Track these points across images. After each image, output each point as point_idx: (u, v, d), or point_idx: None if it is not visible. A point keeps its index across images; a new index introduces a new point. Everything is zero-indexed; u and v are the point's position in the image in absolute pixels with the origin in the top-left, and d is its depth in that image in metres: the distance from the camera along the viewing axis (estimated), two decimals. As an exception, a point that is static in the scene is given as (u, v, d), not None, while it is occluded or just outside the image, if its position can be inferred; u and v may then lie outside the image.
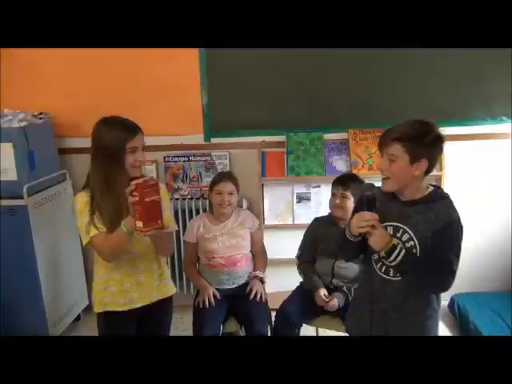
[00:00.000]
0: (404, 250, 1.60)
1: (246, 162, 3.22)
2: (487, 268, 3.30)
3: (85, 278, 3.34)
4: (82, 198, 1.82)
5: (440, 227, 1.60)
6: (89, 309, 3.35)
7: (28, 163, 2.73)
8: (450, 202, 1.67)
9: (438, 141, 1.62)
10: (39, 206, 2.80)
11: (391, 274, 1.70)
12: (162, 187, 1.99)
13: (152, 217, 1.64)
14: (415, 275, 1.65)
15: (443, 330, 3.05)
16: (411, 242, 1.64)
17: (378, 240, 1.61)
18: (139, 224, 1.63)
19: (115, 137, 1.74)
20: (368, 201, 1.64)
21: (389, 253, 1.60)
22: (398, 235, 1.65)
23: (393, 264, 1.62)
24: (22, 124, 2.75)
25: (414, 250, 1.63)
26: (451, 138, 3.13)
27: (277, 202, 3.25)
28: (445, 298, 3.23)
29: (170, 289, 2.07)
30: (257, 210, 3.17)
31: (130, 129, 1.77)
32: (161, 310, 2.04)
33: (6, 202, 2.67)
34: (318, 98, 3.11)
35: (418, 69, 3.05)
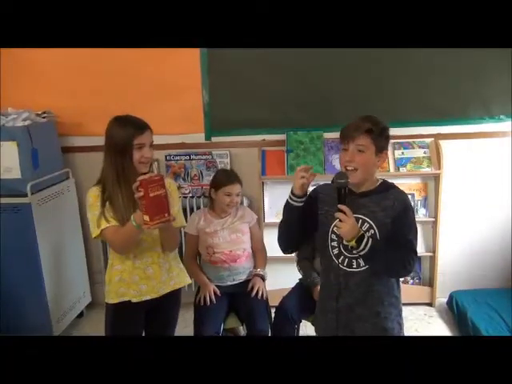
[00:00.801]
0: (371, 239, 1.64)
1: (246, 160, 3.24)
2: (485, 266, 3.32)
3: (88, 275, 3.38)
4: (94, 193, 1.91)
5: (398, 213, 1.68)
6: (92, 305, 3.39)
7: (32, 161, 2.75)
8: (401, 190, 1.77)
9: (389, 138, 1.76)
10: (43, 203, 2.83)
11: (354, 266, 1.73)
12: (172, 184, 2.08)
13: (158, 211, 1.71)
14: (383, 262, 1.69)
15: (442, 327, 3.08)
16: (371, 231, 1.69)
17: (350, 229, 1.62)
18: (146, 218, 1.71)
19: (123, 134, 1.83)
20: (340, 189, 1.67)
21: (359, 242, 1.63)
22: (358, 225, 1.68)
23: (362, 253, 1.65)
24: (26, 123, 2.78)
25: (375, 238, 1.68)
26: (449, 137, 3.17)
27: (277, 200, 3.26)
28: (443, 296, 3.27)
29: (179, 281, 2.11)
30: (257, 208, 3.19)
31: (138, 126, 1.86)
32: (169, 302, 2.09)
33: (9, 200, 2.70)
34: (318, 97, 3.14)
35: (417, 68, 3.07)
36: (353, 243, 1.64)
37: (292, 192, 1.75)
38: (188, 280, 2.18)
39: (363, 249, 1.63)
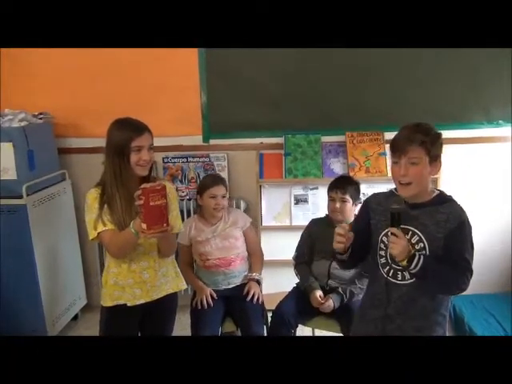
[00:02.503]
0: (422, 257, 1.60)
1: (244, 163, 3.24)
2: (483, 270, 3.29)
3: (83, 278, 3.36)
4: (92, 194, 1.91)
5: (453, 229, 1.62)
6: (87, 308, 3.36)
7: (28, 163, 2.74)
8: (457, 204, 1.69)
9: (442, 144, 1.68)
10: (38, 205, 2.81)
11: (400, 278, 1.69)
12: (172, 189, 2.07)
13: (156, 220, 1.71)
14: (433, 279, 1.64)
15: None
16: (421, 244, 1.64)
17: (401, 251, 1.59)
18: (144, 226, 1.71)
19: (121, 136, 1.84)
20: (393, 215, 1.62)
21: (410, 261, 1.60)
22: (408, 237, 1.64)
23: (413, 271, 1.61)
24: (22, 124, 2.77)
25: (424, 252, 1.63)
26: (448, 142, 3.14)
27: (274, 203, 3.26)
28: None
29: (175, 286, 2.10)
30: (254, 212, 3.19)
31: (136, 129, 1.86)
32: (165, 306, 2.08)
33: (5, 201, 2.68)
34: (317, 101, 3.13)
35: (416, 73, 3.07)
36: (404, 263, 1.61)
37: (337, 251, 1.75)
38: (184, 285, 2.16)
39: (414, 267, 1.60)
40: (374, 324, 1.77)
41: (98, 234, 1.87)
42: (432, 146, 1.62)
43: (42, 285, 2.81)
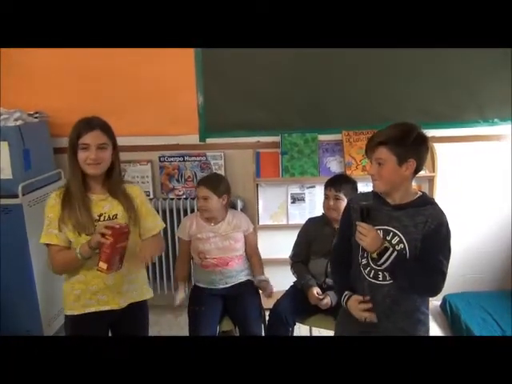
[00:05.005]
0: (395, 252, 1.63)
1: (240, 162, 3.23)
2: (479, 268, 3.33)
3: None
4: (50, 201, 1.89)
5: (430, 231, 1.64)
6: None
7: (23, 162, 2.73)
8: (438, 207, 1.71)
9: (422, 140, 1.67)
10: (34, 204, 2.80)
11: (380, 278, 1.71)
12: (141, 190, 2.04)
13: (117, 262, 1.76)
14: (406, 278, 1.67)
15: (435, 330, 3.07)
16: (401, 245, 1.66)
17: (370, 242, 1.65)
18: (103, 265, 1.71)
19: (72, 133, 1.83)
20: (362, 210, 1.69)
21: (380, 255, 1.63)
22: (388, 238, 1.67)
23: (382, 267, 1.65)
24: (18, 123, 2.75)
25: (404, 252, 1.66)
26: (444, 140, 3.17)
27: (271, 202, 3.26)
28: (437, 299, 3.26)
29: (143, 294, 2.04)
30: (251, 210, 3.19)
31: (86, 126, 1.82)
32: (133, 315, 2.01)
33: (0, 201, 2.66)
34: (313, 100, 3.14)
35: (411, 72, 3.07)
36: (374, 255, 1.65)
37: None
38: (151, 293, 2.09)
39: (384, 262, 1.63)
40: (357, 327, 1.78)
41: (46, 244, 1.85)
42: (397, 147, 1.63)
43: (38, 285, 2.80)
